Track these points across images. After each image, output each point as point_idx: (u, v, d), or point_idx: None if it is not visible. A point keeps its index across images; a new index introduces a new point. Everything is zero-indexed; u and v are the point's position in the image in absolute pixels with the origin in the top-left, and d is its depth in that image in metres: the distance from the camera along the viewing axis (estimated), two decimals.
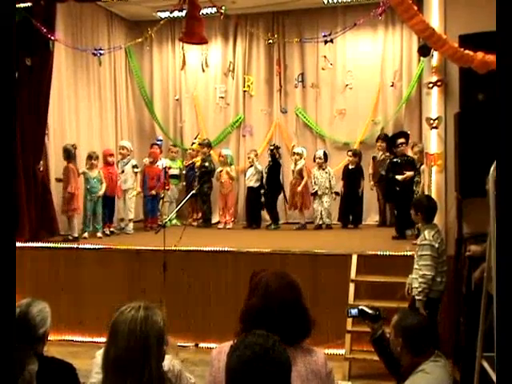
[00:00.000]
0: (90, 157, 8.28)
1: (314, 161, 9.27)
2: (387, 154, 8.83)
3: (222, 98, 10.75)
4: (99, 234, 8.27)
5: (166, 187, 9.58)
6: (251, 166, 9.48)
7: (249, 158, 9.60)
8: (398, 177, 7.68)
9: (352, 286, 6.13)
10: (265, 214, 9.57)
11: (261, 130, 10.58)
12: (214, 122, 10.79)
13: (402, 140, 8.02)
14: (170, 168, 9.79)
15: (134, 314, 2.16)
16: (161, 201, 9.56)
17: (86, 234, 8.11)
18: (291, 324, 2.28)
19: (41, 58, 7.59)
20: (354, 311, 3.51)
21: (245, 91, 10.63)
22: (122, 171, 8.88)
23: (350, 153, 9.30)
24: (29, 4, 7.19)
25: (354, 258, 6.32)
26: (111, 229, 8.73)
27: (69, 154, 7.97)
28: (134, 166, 9.03)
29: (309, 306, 2.40)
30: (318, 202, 9.10)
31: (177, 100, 10.96)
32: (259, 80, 10.60)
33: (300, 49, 10.33)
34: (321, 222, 9.06)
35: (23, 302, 2.99)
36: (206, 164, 9.50)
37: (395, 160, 7.96)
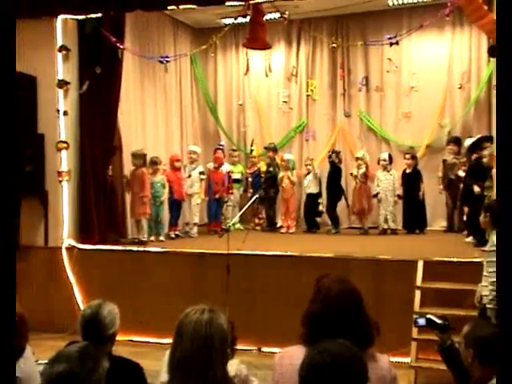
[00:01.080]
0: (153, 162, 8.42)
1: (379, 163, 9.13)
2: (459, 157, 8.68)
3: (285, 102, 10.78)
4: (162, 238, 8.42)
5: (230, 191, 9.70)
6: (309, 173, 9.48)
7: (306, 165, 9.59)
8: (476, 189, 7.36)
9: (418, 293, 5.99)
10: (325, 219, 9.51)
11: (324, 135, 10.54)
12: (277, 126, 10.83)
13: (488, 144, 7.70)
14: (232, 172, 9.90)
15: (199, 316, 2.20)
16: (224, 205, 9.68)
17: (152, 238, 8.30)
18: (353, 330, 2.25)
19: (110, 66, 7.84)
20: (422, 321, 3.38)
21: (308, 95, 10.62)
22: (189, 176, 9.02)
23: (407, 156, 9.11)
24: (99, 14, 7.46)
25: (420, 265, 6.17)
26: (176, 232, 8.90)
27: (138, 159, 8.16)
28: (201, 173, 9.17)
29: (371, 313, 2.36)
30: (382, 206, 8.96)
31: (240, 105, 11.08)
32: (322, 84, 10.56)
33: (364, 52, 10.22)
34: (386, 227, 8.90)
35: (94, 303, 3.09)
36: (271, 169, 9.58)
37: (481, 161, 7.56)
